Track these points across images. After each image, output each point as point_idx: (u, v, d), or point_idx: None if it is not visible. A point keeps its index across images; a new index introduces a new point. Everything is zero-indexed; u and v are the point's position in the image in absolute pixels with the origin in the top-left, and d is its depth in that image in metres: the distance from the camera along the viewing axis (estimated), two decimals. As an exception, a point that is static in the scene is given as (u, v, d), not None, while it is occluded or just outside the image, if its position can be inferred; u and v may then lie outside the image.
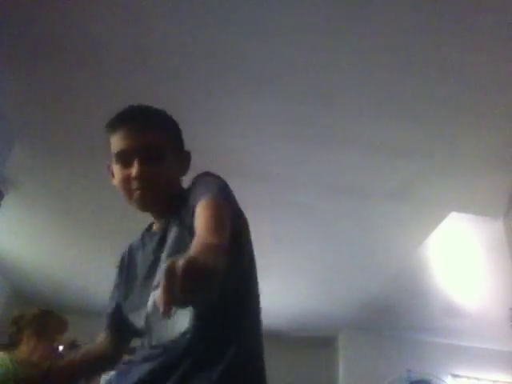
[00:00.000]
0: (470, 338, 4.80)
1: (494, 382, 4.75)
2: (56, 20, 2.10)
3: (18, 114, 2.70)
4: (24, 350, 2.08)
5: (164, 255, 1.01)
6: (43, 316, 2.19)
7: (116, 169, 1.09)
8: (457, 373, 4.83)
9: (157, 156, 1.07)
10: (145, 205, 1.09)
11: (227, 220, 0.88)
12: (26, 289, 5.23)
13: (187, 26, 2.07)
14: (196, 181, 1.07)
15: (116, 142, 1.08)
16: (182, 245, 0.97)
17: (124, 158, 1.06)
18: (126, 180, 1.06)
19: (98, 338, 1.20)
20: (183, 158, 1.16)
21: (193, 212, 0.92)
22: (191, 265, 0.59)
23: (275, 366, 5.44)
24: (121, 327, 1.15)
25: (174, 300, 0.59)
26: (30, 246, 4.35)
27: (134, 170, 1.04)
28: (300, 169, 2.89)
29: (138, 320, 1.04)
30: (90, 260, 4.48)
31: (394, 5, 1.89)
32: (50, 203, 3.58)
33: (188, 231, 0.95)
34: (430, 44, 2.04)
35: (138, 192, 1.05)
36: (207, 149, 2.66)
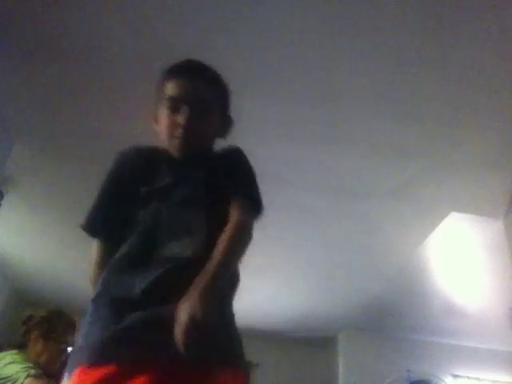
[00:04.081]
0: (470, 338, 4.80)
1: (494, 382, 4.74)
2: (56, 20, 2.10)
3: (18, 114, 2.70)
4: (32, 351, 2.05)
5: (178, 196, 1.07)
6: (51, 318, 2.16)
7: (163, 113, 1.14)
8: (457, 373, 4.82)
9: (205, 110, 1.13)
10: (181, 152, 1.13)
11: (248, 241, 1.03)
12: (26, 289, 5.22)
13: (187, 27, 2.07)
14: (235, 162, 1.17)
15: (171, 88, 1.14)
16: (189, 202, 1.06)
17: (175, 104, 1.12)
18: (172, 126, 1.12)
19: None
20: (226, 121, 1.23)
21: (227, 199, 1.05)
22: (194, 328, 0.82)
23: (275, 365, 5.44)
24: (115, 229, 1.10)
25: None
26: (30, 246, 4.35)
27: (182, 118, 1.10)
28: (299, 169, 2.89)
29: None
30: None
31: (394, 5, 1.89)
32: (50, 203, 3.58)
33: (203, 194, 1.07)
34: (430, 44, 2.04)
35: (177, 140, 1.11)
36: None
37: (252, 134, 2.65)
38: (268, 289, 4.32)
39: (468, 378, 4.81)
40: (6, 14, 2.07)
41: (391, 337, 4.88)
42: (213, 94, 1.16)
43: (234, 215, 1.03)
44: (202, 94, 1.14)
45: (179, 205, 1.05)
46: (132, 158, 1.17)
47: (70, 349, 2.22)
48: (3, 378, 1.87)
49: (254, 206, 1.10)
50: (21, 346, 2.08)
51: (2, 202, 3.20)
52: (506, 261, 2.93)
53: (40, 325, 2.11)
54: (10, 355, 1.99)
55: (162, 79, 1.18)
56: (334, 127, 2.56)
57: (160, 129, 1.17)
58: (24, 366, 1.91)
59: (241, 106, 2.48)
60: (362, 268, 3.86)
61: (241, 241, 1.01)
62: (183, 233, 1.01)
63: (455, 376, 4.80)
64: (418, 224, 3.23)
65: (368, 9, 1.92)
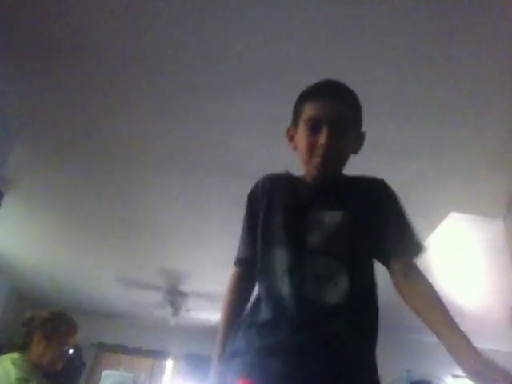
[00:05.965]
0: (470, 338, 4.79)
1: (494, 382, 4.74)
2: (56, 20, 2.10)
3: (18, 114, 2.70)
4: (34, 353, 2.05)
5: (319, 218, 1.12)
6: (53, 319, 2.15)
7: (302, 134, 1.20)
8: (457, 373, 4.82)
9: (344, 130, 1.16)
10: (321, 171, 1.18)
11: None
12: (26, 289, 5.23)
13: (186, 27, 2.07)
14: (387, 198, 1.32)
15: (311, 109, 1.19)
16: (342, 232, 1.12)
17: (314, 125, 1.16)
18: (312, 145, 1.16)
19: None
20: (359, 138, 1.25)
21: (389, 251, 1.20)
22: None
23: (275, 365, 5.43)
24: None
25: None
26: (30, 245, 4.36)
27: (323, 138, 1.13)
28: (299, 170, 2.88)
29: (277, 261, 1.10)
30: (89, 260, 4.48)
31: (393, 5, 1.89)
32: (50, 203, 3.58)
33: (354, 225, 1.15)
34: (430, 44, 2.04)
35: (318, 160, 1.15)
36: (205, 148, 2.66)
37: (252, 133, 2.65)
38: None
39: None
40: (6, 14, 2.07)
41: (391, 337, 4.87)
42: (351, 114, 1.19)
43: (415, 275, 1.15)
44: (342, 114, 1.17)
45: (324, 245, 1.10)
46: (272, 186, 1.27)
47: (71, 350, 2.22)
48: None
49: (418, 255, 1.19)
50: (22, 348, 2.08)
51: (2, 202, 3.20)
52: (506, 261, 2.93)
53: (43, 326, 2.11)
54: (10, 359, 1.98)
55: (299, 101, 1.24)
56: (334, 127, 2.56)
57: (299, 150, 1.23)
58: (19, 377, 1.90)
59: (240, 106, 2.49)
60: (362, 268, 3.86)
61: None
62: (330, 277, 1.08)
63: (455, 376, 4.81)
64: (418, 224, 3.20)
65: (368, 9, 1.92)
